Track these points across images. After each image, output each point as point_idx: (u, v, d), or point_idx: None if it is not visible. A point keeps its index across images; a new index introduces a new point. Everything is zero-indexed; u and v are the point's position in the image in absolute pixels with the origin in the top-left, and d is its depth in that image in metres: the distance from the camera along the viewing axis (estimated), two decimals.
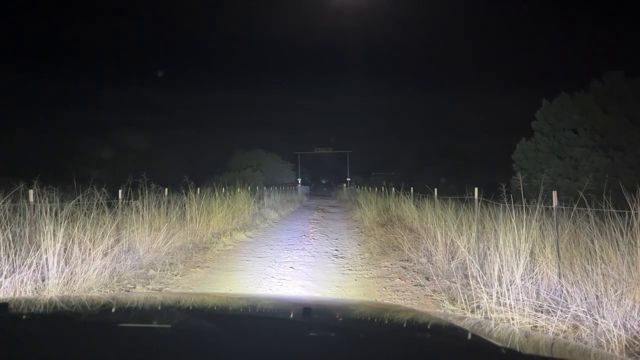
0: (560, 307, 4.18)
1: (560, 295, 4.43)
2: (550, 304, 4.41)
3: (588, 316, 4.03)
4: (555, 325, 4.06)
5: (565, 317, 4.07)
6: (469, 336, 1.54)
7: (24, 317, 1.55)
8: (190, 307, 1.85)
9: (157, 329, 1.43)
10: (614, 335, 3.72)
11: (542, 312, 4.30)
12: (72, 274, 5.71)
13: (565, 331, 4.03)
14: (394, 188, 16.57)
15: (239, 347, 1.20)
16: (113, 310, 1.72)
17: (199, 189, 12.20)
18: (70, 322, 1.53)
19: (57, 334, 1.34)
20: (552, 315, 4.18)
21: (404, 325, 1.71)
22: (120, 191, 7.92)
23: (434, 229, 8.56)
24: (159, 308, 1.82)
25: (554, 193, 4.77)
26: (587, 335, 3.89)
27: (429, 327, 1.68)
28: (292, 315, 1.78)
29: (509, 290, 4.59)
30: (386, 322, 1.74)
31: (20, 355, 1.12)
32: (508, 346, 1.42)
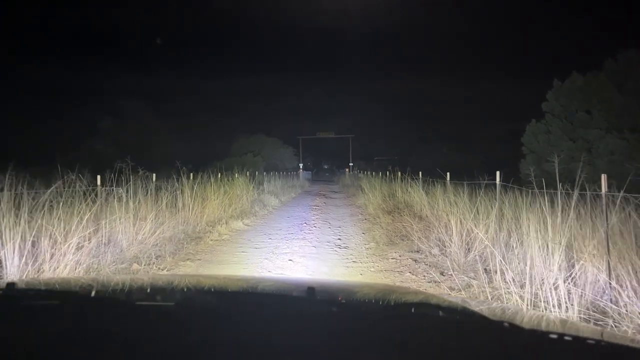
0: (612, 314, 3.45)
1: (610, 300, 3.69)
2: (595, 310, 3.69)
3: None
4: None
5: (621, 327, 3.35)
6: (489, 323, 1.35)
7: None
8: (185, 289, 1.72)
9: (160, 306, 1.35)
10: None
11: (589, 320, 3.58)
12: (39, 271, 5.02)
13: None
14: (400, 172, 15.78)
15: (242, 322, 1.18)
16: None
17: (192, 174, 11.42)
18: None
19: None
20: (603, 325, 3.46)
21: (413, 309, 1.58)
22: (99, 177, 7.15)
23: (446, 217, 7.84)
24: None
25: (603, 177, 4.01)
26: None
27: (442, 308, 1.54)
28: (295, 294, 1.72)
29: (545, 290, 3.87)
30: (392, 303, 1.67)
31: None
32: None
